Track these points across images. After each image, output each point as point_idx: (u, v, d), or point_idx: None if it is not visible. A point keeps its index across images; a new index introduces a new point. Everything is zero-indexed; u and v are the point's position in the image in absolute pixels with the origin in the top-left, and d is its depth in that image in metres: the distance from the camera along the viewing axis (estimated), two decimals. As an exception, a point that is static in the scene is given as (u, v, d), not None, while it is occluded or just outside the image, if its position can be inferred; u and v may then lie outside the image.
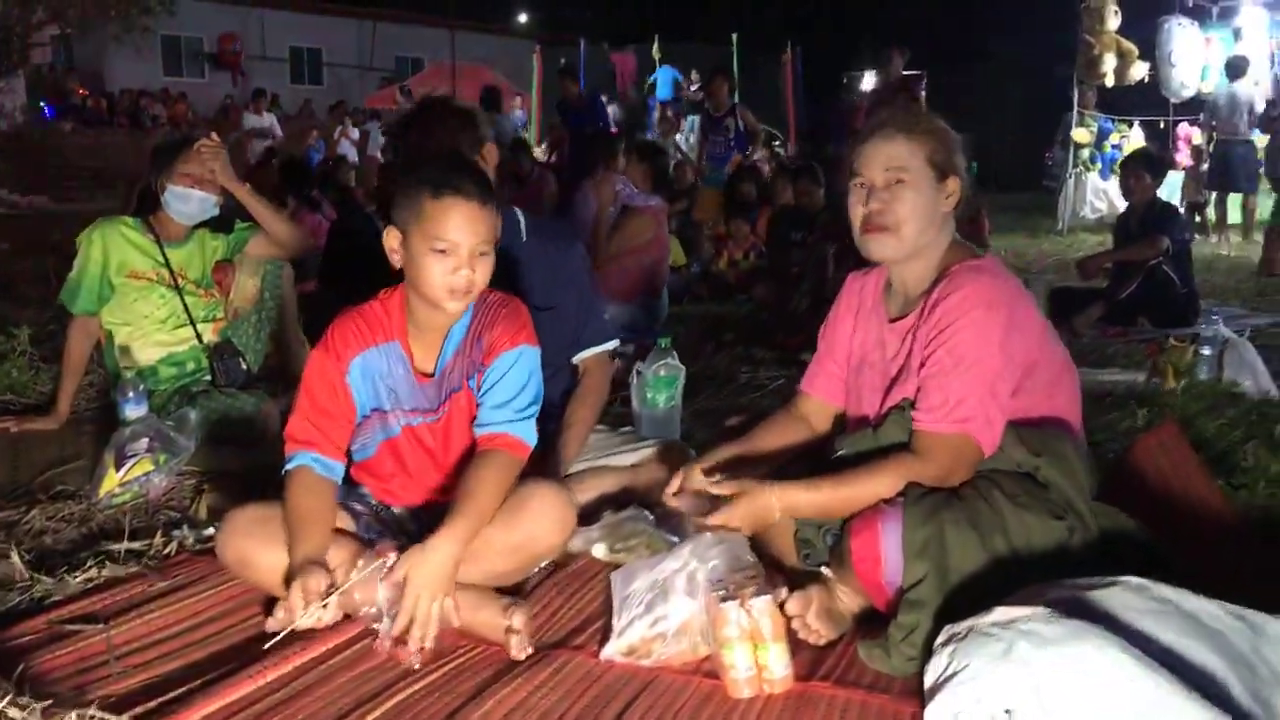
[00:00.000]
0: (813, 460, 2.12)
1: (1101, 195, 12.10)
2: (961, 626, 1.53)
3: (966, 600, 1.69)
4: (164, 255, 3.19)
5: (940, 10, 27.04)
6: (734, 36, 16.51)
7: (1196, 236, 11.05)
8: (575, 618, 1.95)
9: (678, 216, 8.94)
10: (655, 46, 17.12)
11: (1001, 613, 1.48)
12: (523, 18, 32.08)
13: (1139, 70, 11.58)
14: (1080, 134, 11.89)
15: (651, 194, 5.33)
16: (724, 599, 1.70)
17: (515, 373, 2.03)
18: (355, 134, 17.25)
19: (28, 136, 17.95)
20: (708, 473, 2.04)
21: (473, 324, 2.07)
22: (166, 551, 2.21)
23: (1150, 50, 11.81)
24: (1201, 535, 2.11)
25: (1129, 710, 1.33)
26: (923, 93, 11.05)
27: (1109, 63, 11.34)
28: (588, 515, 2.32)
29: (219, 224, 3.33)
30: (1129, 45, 11.54)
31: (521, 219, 2.63)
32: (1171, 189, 12.09)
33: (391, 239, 1.98)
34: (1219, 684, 1.39)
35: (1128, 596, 1.52)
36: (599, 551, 2.20)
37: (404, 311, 2.06)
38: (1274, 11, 11.59)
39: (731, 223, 6.75)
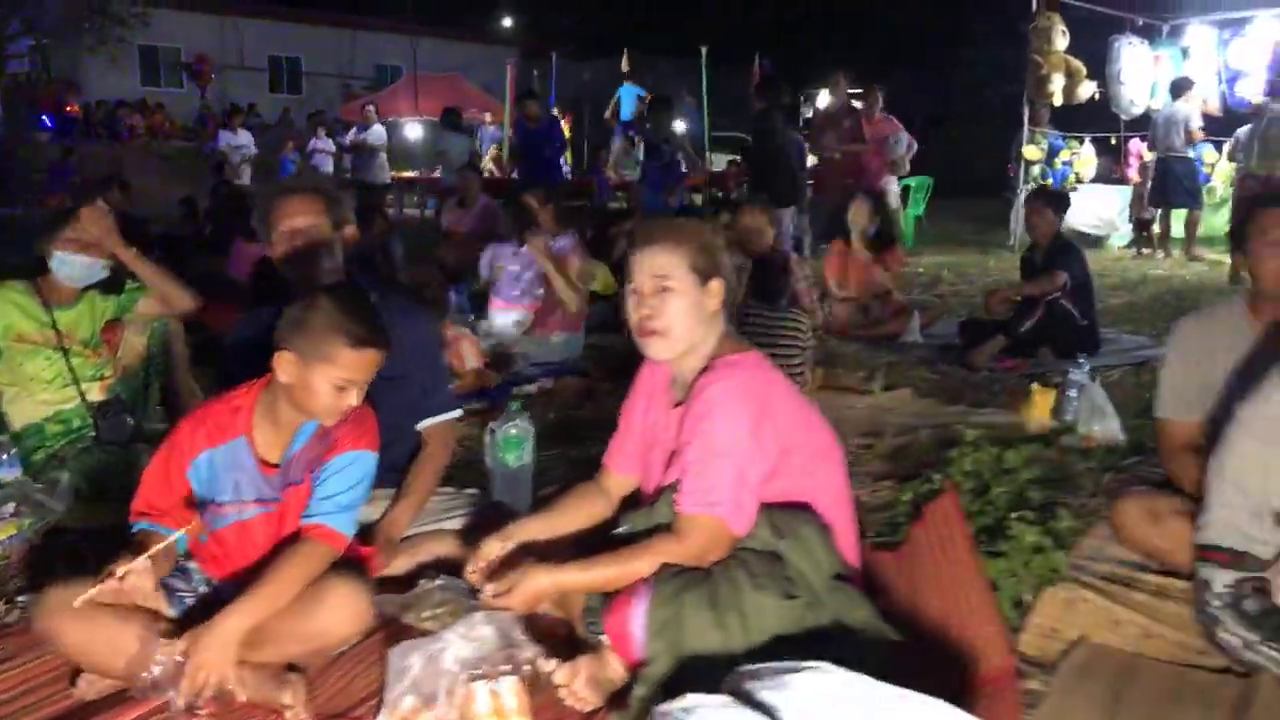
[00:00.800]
0: (603, 534, 2.31)
1: (1052, 211, 12.27)
2: (664, 708, 1.70)
3: (703, 675, 1.87)
4: (51, 318, 3.35)
5: (925, 16, 27.25)
6: (703, 49, 16.73)
7: (1143, 251, 11.36)
8: (365, 689, 2.11)
9: (627, 237, 9.12)
10: (624, 59, 17.33)
11: (690, 699, 1.66)
12: (507, 22, 32.29)
13: (1087, 89, 11.78)
14: (1031, 151, 12.07)
15: (563, 234, 5.48)
16: (475, 677, 1.88)
17: (349, 472, 2.22)
18: (330, 144, 17.30)
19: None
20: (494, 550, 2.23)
21: (323, 424, 2.25)
22: (9, 620, 2.38)
23: (1101, 67, 12.03)
24: (958, 612, 2.29)
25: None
26: (879, 108, 11.08)
27: (1057, 82, 11.53)
28: (412, 579, 2.52)
29: (110, 284, 3.49)
30: (1077, 65, 11.73)
31: (372, 294, 2.82)
32: (1122, 204, 12.35)
33: (284, 362, 2.13)
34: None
35: (813, 680, 1.70)
36: (409, 619, 2.37)
37: (254, 408, 2.24)
38: (1222, 29, 11.79)
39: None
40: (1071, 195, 12.34)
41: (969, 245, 12.44)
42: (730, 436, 2.06)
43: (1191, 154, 10.21)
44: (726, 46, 18.95)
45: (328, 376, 2.11)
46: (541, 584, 2.08)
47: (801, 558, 2.03)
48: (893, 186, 9.17)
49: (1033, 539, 2.43)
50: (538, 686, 2.03)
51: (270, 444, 2.24)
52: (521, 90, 15.44)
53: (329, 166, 16.10)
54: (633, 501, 2.38)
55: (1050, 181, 12.28)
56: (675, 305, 2.13)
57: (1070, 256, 5.69)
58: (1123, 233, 12.27)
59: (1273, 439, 2.18)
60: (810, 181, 9.90)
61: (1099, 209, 12.48)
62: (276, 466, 2.24)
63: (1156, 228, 11.31)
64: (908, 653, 2.04)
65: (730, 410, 2.07)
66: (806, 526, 2.08)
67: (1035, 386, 4.13)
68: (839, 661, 1.79)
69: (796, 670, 1.72)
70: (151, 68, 25.18)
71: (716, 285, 2.18)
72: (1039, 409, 4.04)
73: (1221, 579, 2.27)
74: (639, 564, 2.06)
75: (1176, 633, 2.37)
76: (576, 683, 2.04)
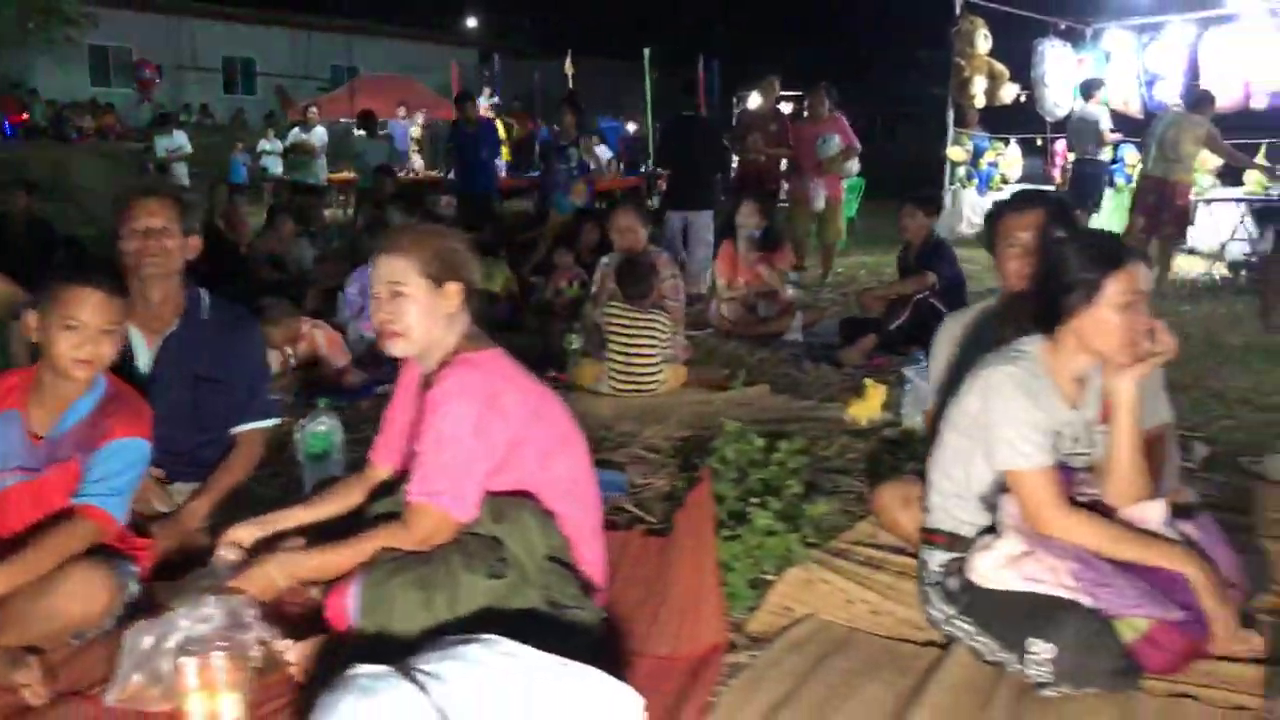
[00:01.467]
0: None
1: (979, 211, 12.49)
2: (343, 675, 1.84)
3: (408, 651, 2.00)
4: (-115, 321, 3.45)
5: (875, 17, 27.53)
6: (646, 51, 16.91)
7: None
8: (109, 669, 2.21)
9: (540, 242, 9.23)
10: (567, 61, 17.46)
11: (356, 669, 1.79)
12: (472, 23, 32.36)
13: (1009, 91, 12.04)
14: (955, 152, 12.31)
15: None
16: (189, 654, 2.01)
17: (120, 456, 2.38)
18: (279, 145, 17.19)
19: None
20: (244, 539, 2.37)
21: (98, 407, 2.42)
22: None
23: (1027, 70, 12.27)
24: (690, 593, 2.45)
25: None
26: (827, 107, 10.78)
27: (979, 84, 11.77)
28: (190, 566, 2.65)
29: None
30: (1000, 68, 11.98)
31: (205, 299, 2.99)
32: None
33: (31, 319, 2.37)
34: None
35: (480, 652, 1.84)
36: (176, 603, 2.49)
37: (30, 384, 2.42)
38: (1140, 34, 12.05)
39: (556, 251, 7.04)
40: (996, 196, 12.69)
41: (900, 245, 12.60)
42: (455, 430, 2.19)
43: (1103, 156, 10.40)
44: (672, 48, 19.18)
45: (57, 317, 2.30)
46: (271, 571, 2.21)
47: (516, 541, 2.17)
48: (820, 190, 9.19)
49: (765, 523, 2.58)
50: (272, 665, 2.17)
51: (41, 419, 2.42)
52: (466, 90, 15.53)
53: (278, 168, 16.10)
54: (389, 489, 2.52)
55: (976, 182, 12.54)
56: (409, 309, 2.27)
57: (941, 257, 5.87)
58: (1048, 232, 12.48)
59: (970, 433, 2.35)
60: (735, 184, 10.03)
61: (1025, 209, 12.70)
62: (41, 439, 2.40)
63: (1080, 228, 11.53)
64: (613, 629, 2.19)
65: (457, 405, 2.20)
66: (525, 512, 2.21)
67: (868, 381, 4.30)
68: (540, 636, 1.96)
69: (468, 642, 1.87)
70: (102, 68, 25.04)
71: (454, 288, 2.30)
72: (870, 403, 4.21)
73: (936, 559, 2.44)
74: (365, 548, 2.20)
75: (905, 610, 2.53)
76: (308, 660, 2.17)
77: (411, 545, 2.18)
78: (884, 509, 2.88)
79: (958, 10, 11.83)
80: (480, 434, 2.21)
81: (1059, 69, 12.19)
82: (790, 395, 4.84)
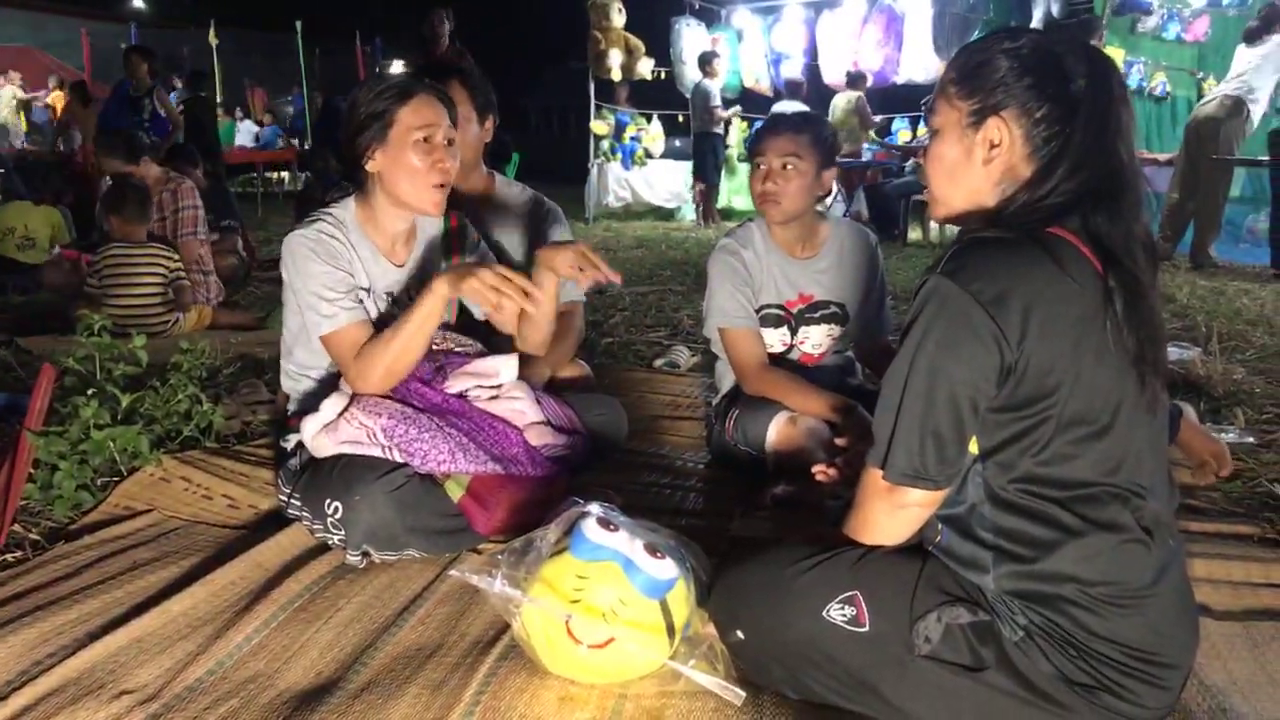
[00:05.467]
0: None
1: (624, 184, 12.72)
2: None
3: None
4: None
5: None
6: (298, 24, 16.10)
7: (702, 224, 11.95)
8: None
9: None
10: (211, 32, 16.28)
11: None
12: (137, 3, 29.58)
13: (646, 66, 12.27)
14: (598, 126, 12.42)
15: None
16: None
17: None
18: None
19: None
20: None
21: None
22: None
23: (668, 48, 12.59)
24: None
25: None
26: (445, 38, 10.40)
27: (615, 58, 11.91)
28: None
29: None
30: (636, 42, 12.18)
31: None
32: (688, 179, 12.97)
33: None
34: None
35: None
36: None
37: None
38: (765, 16, 12.67)
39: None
40: (640, 170, 13.00)
41: (555, 219, 12.59)
42: None
43: (718, 129, 10.79)
44: (328, 23, 18.42)
45: None
46: None
47: None
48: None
49: (90, 414, 2.26)
50: None
51: None
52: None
53: None
54: None
55: (620, 156, 12.73)
56: None
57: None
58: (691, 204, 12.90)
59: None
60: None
61: (669, 183, 13.09)
62: None
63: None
64: None
65: None
66: None
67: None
68: None
69: None
70: None
71: None
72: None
73: (292, 443, 2.21)
74: None
75: (271, 502, 2.30)
76: None
77: None
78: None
79: (596, -16, 11.93)
80: None
81: (694, 47, 12.57)
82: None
